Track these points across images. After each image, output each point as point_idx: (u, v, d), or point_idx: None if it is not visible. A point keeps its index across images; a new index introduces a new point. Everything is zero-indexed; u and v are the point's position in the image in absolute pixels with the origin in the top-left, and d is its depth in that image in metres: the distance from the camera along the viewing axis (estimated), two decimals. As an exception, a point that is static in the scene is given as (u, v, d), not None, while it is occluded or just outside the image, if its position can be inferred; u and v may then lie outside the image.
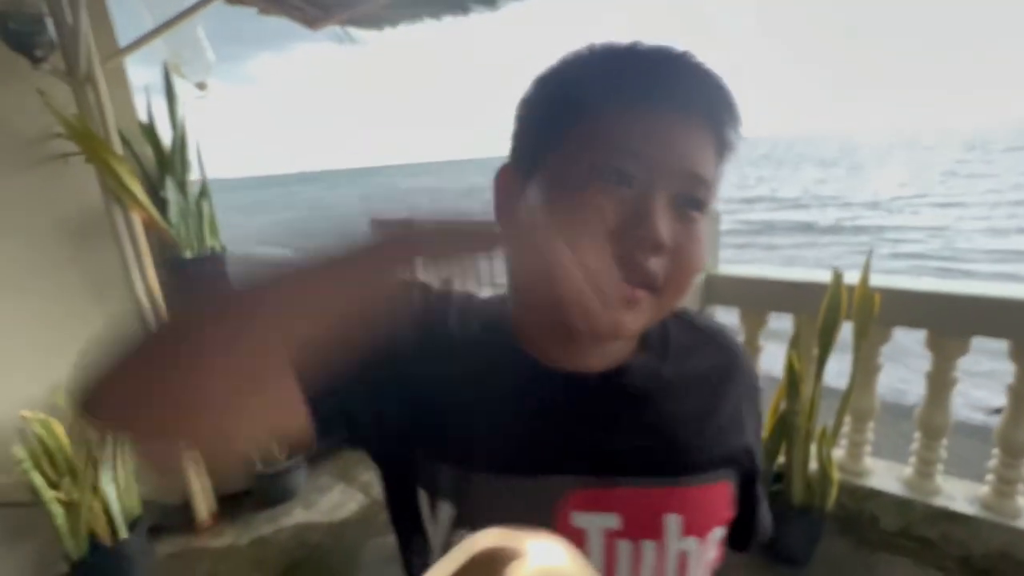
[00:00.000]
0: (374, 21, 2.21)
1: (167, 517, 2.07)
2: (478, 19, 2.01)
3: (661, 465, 0.47)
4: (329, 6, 2.03)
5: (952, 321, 1.55)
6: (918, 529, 1.68)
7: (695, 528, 0.47)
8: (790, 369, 1.54)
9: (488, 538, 0.25)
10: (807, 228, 15.12)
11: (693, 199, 0.41)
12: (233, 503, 2.17)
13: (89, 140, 1.56)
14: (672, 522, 0.46)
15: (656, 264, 0.39)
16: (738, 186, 27.93)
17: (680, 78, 0.40)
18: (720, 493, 0.49)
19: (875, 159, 42.30)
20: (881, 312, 1.55)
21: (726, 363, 0.53)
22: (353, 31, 2.29)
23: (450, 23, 2.15)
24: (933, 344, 1.61)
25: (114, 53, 1.75)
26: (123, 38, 1.88)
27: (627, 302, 0.39)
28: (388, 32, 2.36)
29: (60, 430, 1.67)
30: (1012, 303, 1.47)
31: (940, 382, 1.62)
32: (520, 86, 0.45)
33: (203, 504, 2.05)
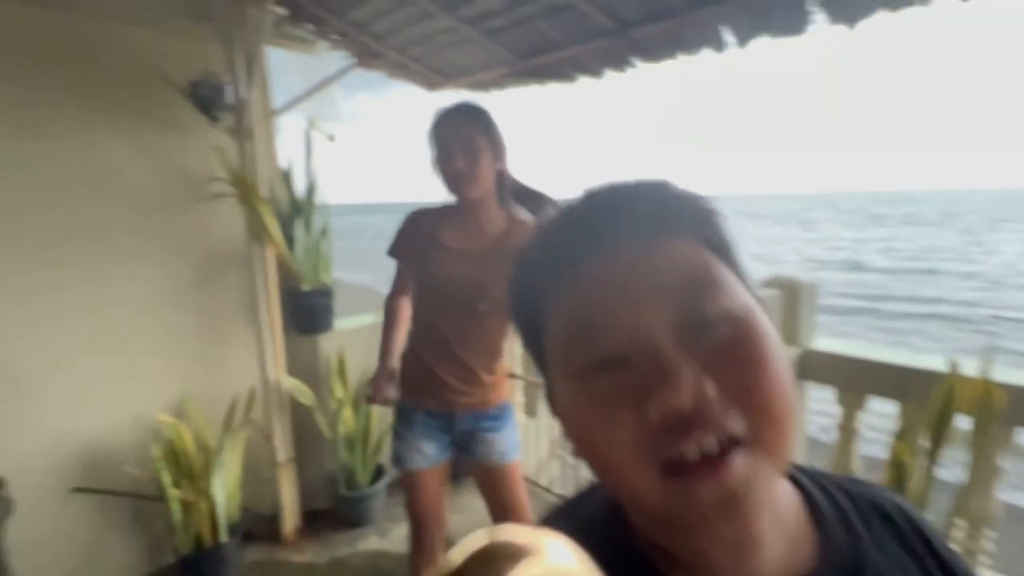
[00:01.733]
0: (486, 86, 2.42)
1: (257, 525, 2.24)
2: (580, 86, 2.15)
3: None
4: (450, 73, 2.25)
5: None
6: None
7: None
8: (896, 462, 1.45)
9: (491, 535, 0.24)
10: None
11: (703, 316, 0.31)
12: (315, 520, 2.31)
13: (245, 186, 1.82)
14: None
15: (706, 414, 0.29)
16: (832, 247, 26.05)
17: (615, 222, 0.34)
18: None
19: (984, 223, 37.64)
20: (1005, 410, 1.43)
21: (907, 517, 0.42)
22: (465, 93, 2.51)
23: (553, 89, 2.30)
24: (1069, 452, 1.45)
25: (271, 113, 2.04)
26: (274, 96, 2.20)
27: (721, 501, 0.29)
28: (494, 93, 2.57)
29: (187, 435, 1.88)
30: None
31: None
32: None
33: (290, 518, 2.19)
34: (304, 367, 2.26)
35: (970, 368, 1.48)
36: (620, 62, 1.81)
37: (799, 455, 1.96)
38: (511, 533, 0.25)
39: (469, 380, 1.36)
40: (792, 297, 1.80)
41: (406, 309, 1.49)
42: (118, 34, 1.66)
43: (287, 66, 2.34)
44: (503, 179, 1.37)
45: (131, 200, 1.86)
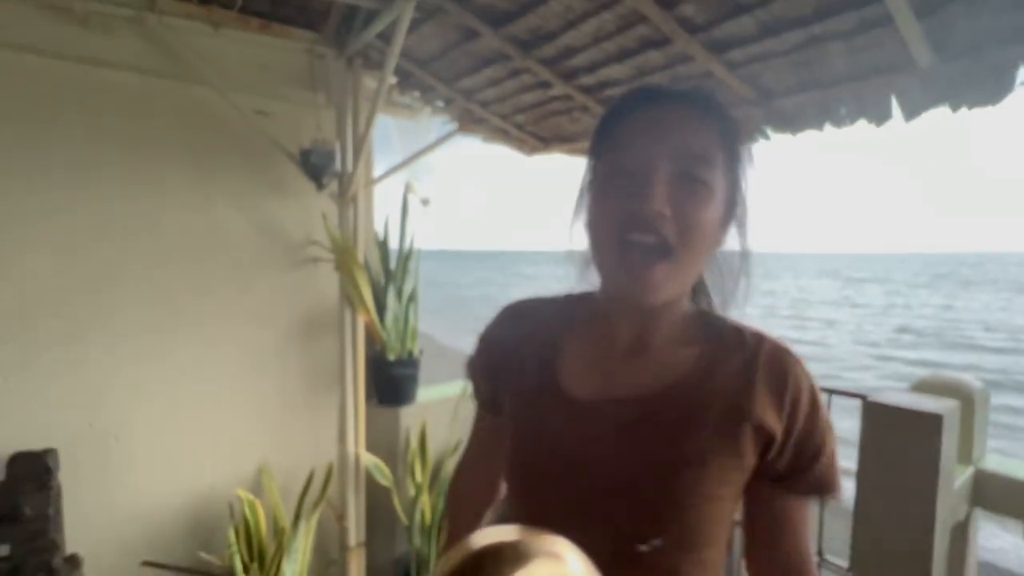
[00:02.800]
0: (581, 151, 2.32)
1: (319, 614, 2.05)
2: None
3: None
4: (552, 140, 2.17)
5: None
6: None
7: None
8: None
9: (494, 535, 0.26)
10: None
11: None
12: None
13: (344, 252, 1.76)
14: None
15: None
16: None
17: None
18: None
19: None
20: None
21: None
22: (563, 158, 2.43)
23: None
24: None
25: (370, 181, 2.02)
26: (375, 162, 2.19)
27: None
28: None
29: (261, 514, 1.76)
30: None
31: None
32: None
33: (355, 610, 1.99)
34: (383, 442, 2.12)
35: None
36: (751, 132, 1.65)
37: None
38: (520, 534, 0.26)
39: None
40: (968, 406, 1.49)
41: (488, 494, 0.77)
42: (237, 102, 1.68)
43: (383, 130, 2.37)
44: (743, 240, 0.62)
45: (232, 261, 1.84)
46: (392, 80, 1.94)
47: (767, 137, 1.69)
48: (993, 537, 3.74)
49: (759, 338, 0.60)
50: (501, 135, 2.24)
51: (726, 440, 0.56)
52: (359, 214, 1.85)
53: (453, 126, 2.18)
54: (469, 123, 2.16)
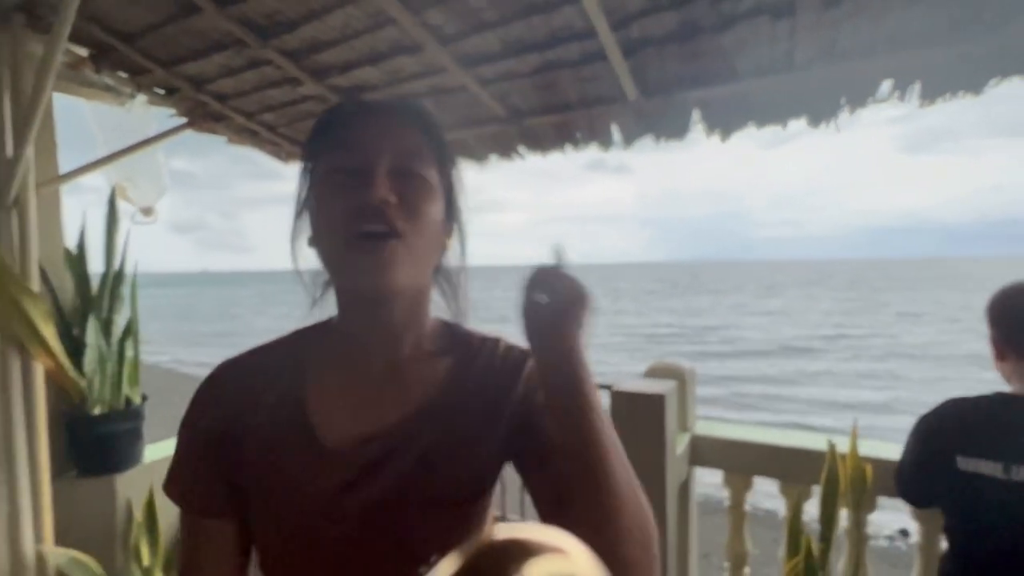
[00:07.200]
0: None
1: None
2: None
3: None
4: (309, 145, 1.97)
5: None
6: None
7: None
8: (808, 555, 1.46)
9: (499, 531, 0.25)
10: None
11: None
12: None
13: (1, 275, 1.27)
14: None
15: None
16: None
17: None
18: None
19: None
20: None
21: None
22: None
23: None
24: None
25: (52, 179, 1.52)
26: (65, 155, 1.66)
27: None
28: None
29: None
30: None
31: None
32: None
33: None
34: (91, 525, 1.60)
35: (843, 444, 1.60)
36: (507, 149, 1.74)
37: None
38: (525, 531, 0.25)
39: None
40: (682, 384, 1.82)
41: None
42: None
43: (78, 118, 1.83)
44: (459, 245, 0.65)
45: None
46: (79, 51, 1.51)
47: (521, 156, 1.81)
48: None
49: (496, 339, 0.65)
50: (248, 136, 1.95)
51: (487, 437, 0.58)
52: (29, 223, 1.36)
53: (181, 120, 1.81)
54: (203, 118, 1.82)
